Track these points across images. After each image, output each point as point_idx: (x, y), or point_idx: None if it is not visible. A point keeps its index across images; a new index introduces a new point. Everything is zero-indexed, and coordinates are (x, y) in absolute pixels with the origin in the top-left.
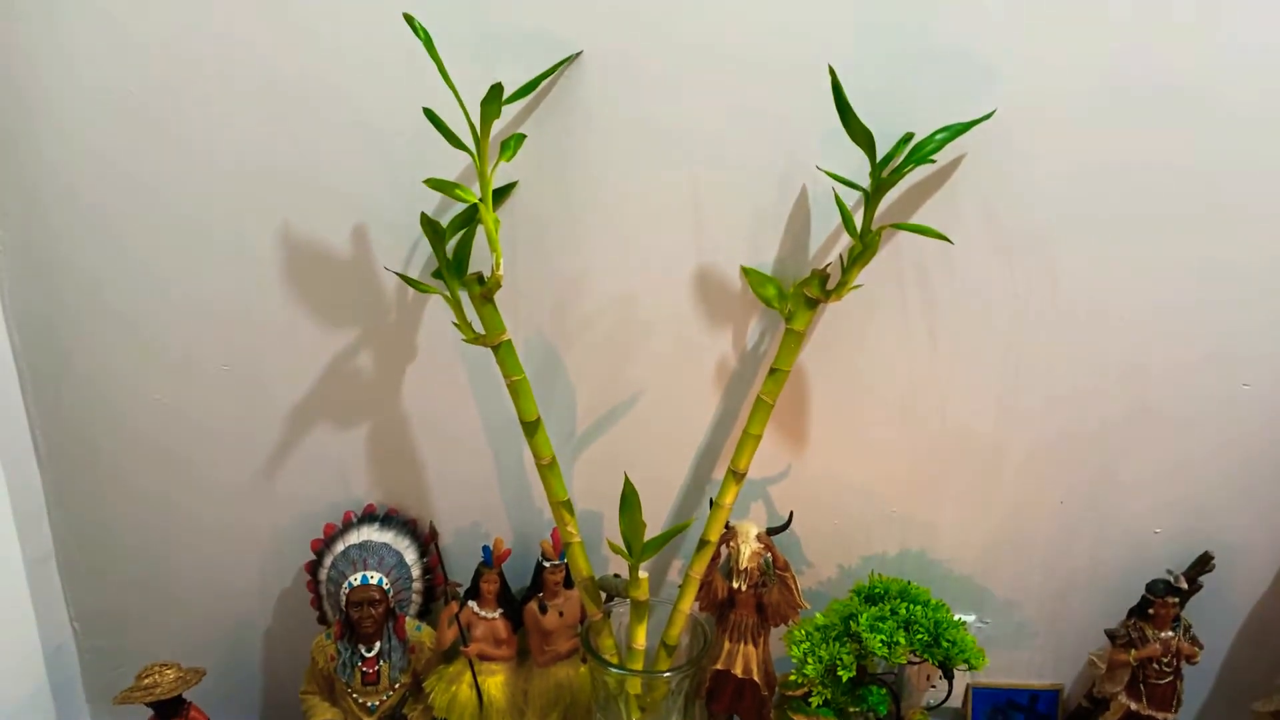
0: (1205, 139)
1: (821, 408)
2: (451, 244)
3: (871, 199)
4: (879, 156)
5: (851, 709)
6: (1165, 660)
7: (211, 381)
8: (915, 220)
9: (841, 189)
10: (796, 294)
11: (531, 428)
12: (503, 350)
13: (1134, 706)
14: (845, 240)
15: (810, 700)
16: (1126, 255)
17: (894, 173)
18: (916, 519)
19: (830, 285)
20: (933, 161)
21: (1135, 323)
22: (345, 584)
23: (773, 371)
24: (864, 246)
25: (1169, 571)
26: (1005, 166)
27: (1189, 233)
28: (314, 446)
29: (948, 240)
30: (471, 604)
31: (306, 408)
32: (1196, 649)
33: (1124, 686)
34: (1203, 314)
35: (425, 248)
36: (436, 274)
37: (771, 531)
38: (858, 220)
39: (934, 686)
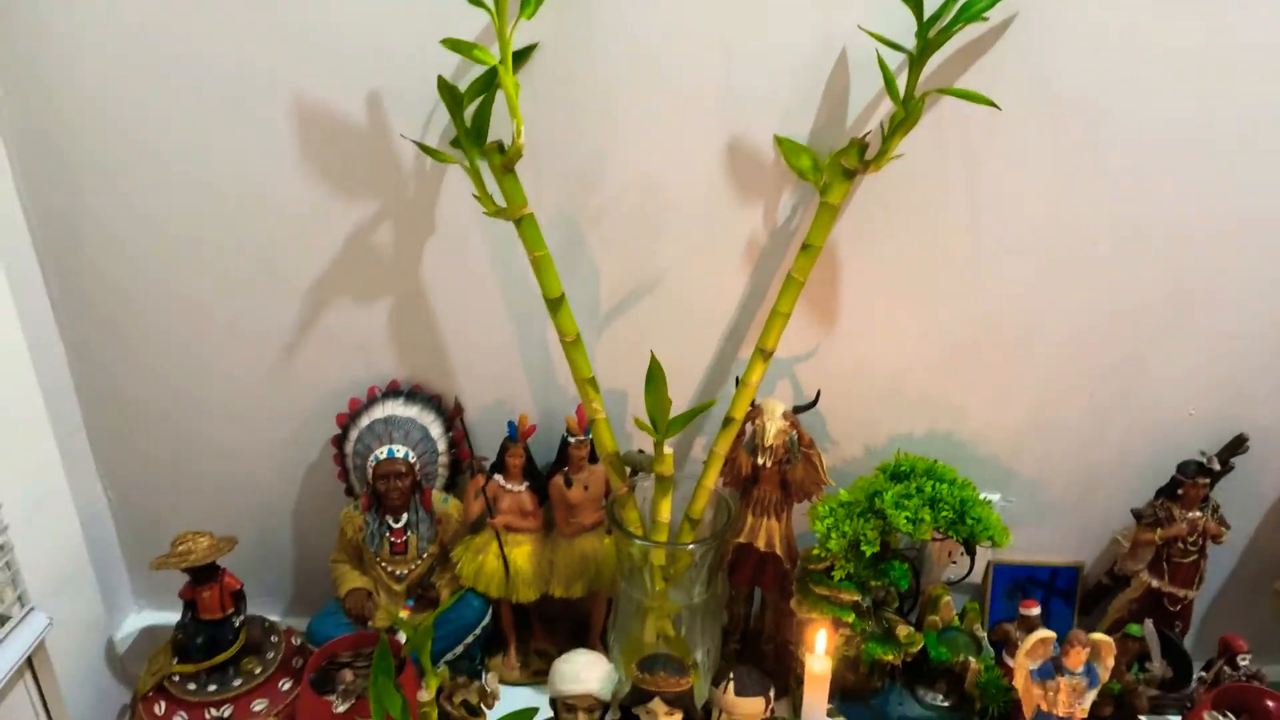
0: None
1: (852, 286)
2: (470, 110)
3: (916, 61)
4: (926, 15)
5: (873, 583)
6: (1191, 539)
7: (227, 262)
8: (960, 85)
9: (885, 50)
10: (833, 165)
11: (555, 304)
12: (525, 224)
13: (1155, 584)
14: (886, 107)
15: (833, 574)
16: (1177, 129)
17: (941, 32)
18: (945, 400)
19: (869, 156)
20: (985, 19)
21: (1179, 202)
22: (371, 457)
23: (805, 248)
24: (906, 114)
25: (1201, 453)
26: (1060, 29)
27: (1241, 111)
28: (334, 325)
29: (996, 106)
30: (497, 478)
31: (325, 285)
32: (1224, 529)
33: (1146, 565)
34: (1247, 196)
35: (443, 115)
36: (455, 143)
37: (798, 410)
38: (900, 85)
39: (954, 563)
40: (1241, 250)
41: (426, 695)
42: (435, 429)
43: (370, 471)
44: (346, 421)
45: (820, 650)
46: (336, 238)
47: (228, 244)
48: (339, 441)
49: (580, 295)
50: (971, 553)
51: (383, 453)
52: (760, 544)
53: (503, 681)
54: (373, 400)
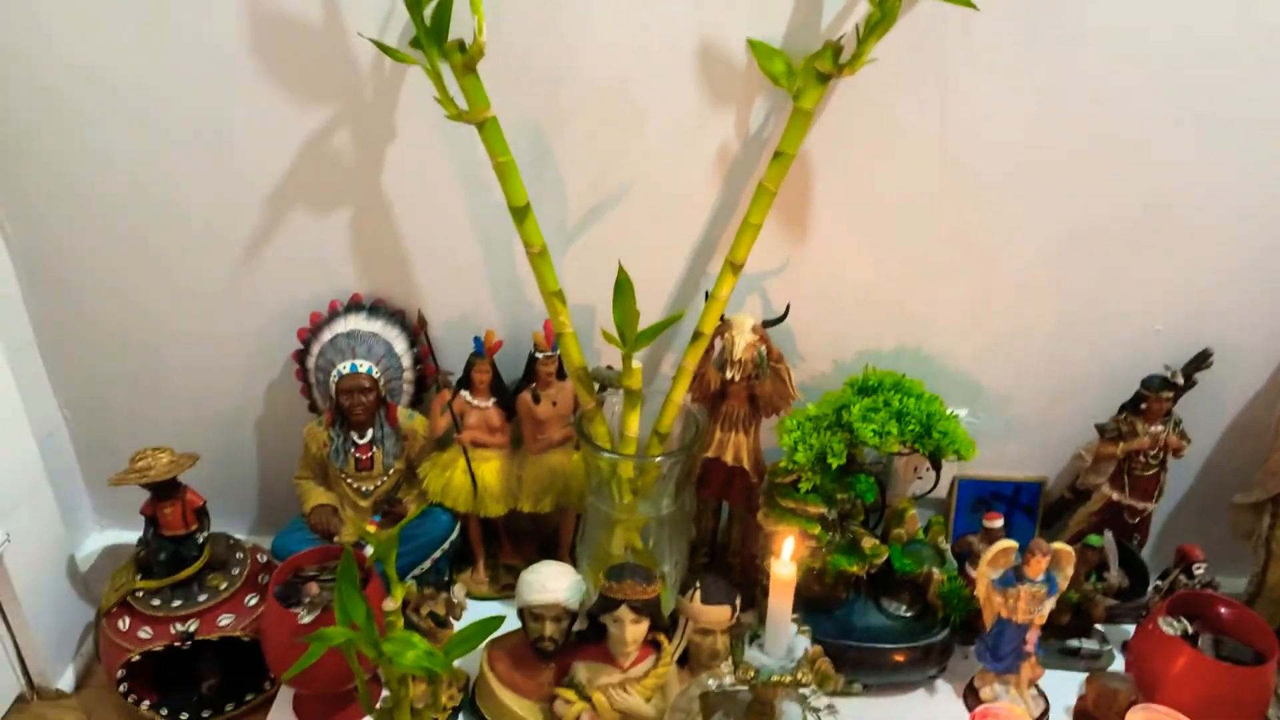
0: None
1: (824, 198)
2: (430, 8)
3: None
4: None
5: (839, 496)
6: (1152, 453)
7: (180, 174)
8: None
9: None
10: (806, 69)
11: (520, 213)
12: (488, 128)
13: (1116, 497)
14: (861, 10)
15: (799, 486)
16: (1161, 35)
17: None
18: (914, 316)
19: (843, 59)
20: None
21: (1159, 113)
22: (334, 372)
23: (777, 155)
24: (882, 15)
25: (1166, 367)
26: None
27: (1221, 21)
28: (293, 236)
29: (973, 6)
30: (464, 393)
31: (282, 195)
32: (1185, 443)
33: (1107, 478)
34: (1223, 109)
35: (402, 13)
36: (415, 43)
37: (767, 324)
38: None
39: (920, 478)
40: (1213, 167)
41: (392, 605)
42: (399, 344)
43: (333, 387)
44: (308, 336)
45: (786, 556)
46: (292, 145)
47: (180, 155)
48: (301, 357)
49: (547, 208)
50: (937, 467)
51: (345, 368)
52: (728, 458)
53: (472, 596)
54: (335, 315)
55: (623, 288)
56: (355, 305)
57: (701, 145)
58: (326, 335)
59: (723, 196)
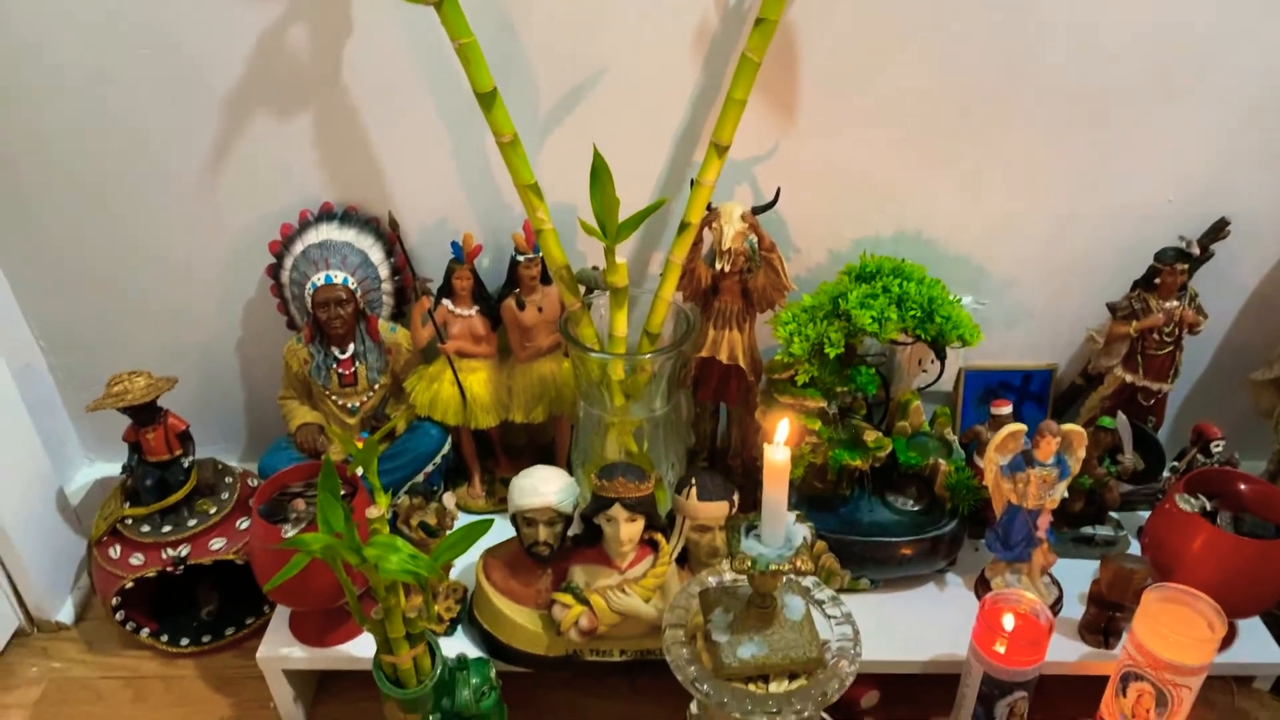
0: None
1: (813, 77)
2: None
3: None
4: None
5: (839, 389)
6: (1167, 330)
7: (132, 79)
8: None
9: None
10: None
11: (488, 100)
12: (446, 8)
13: (1130, 379)
14: None
15: (796, 380)
16: None
17: None
18: (913, 199)
19: None
20: None
21: None
22: (309, 285)
23: (759, 23)
24: None
25: (1181, 238)
26: None
27: None
28: (256, 143)
29: None
30: (446, 302)
31: (240, 99)
32: (1201, 318)
33: (1120, 360)
34: None
35: None
36: None
37: (757, 210)
38: None
39: (925, 371)
40: (1223, 26)
41: (376, 512)
42: (375, 253)
43: (309, 300)
44: (280, 249)
45: (780, 439)
46: (245, 45)
47: (131, 64)
48: (274, 271)
49: (517, 95)
50: (941, 355)
51: (320, 279)
52: (723, 357)
53: (468, 510)
54: (305, 225)
55: (599, 173)
56: (326, 214)
57: (679, 18)
58: (298, 247)
59: (705, 78)
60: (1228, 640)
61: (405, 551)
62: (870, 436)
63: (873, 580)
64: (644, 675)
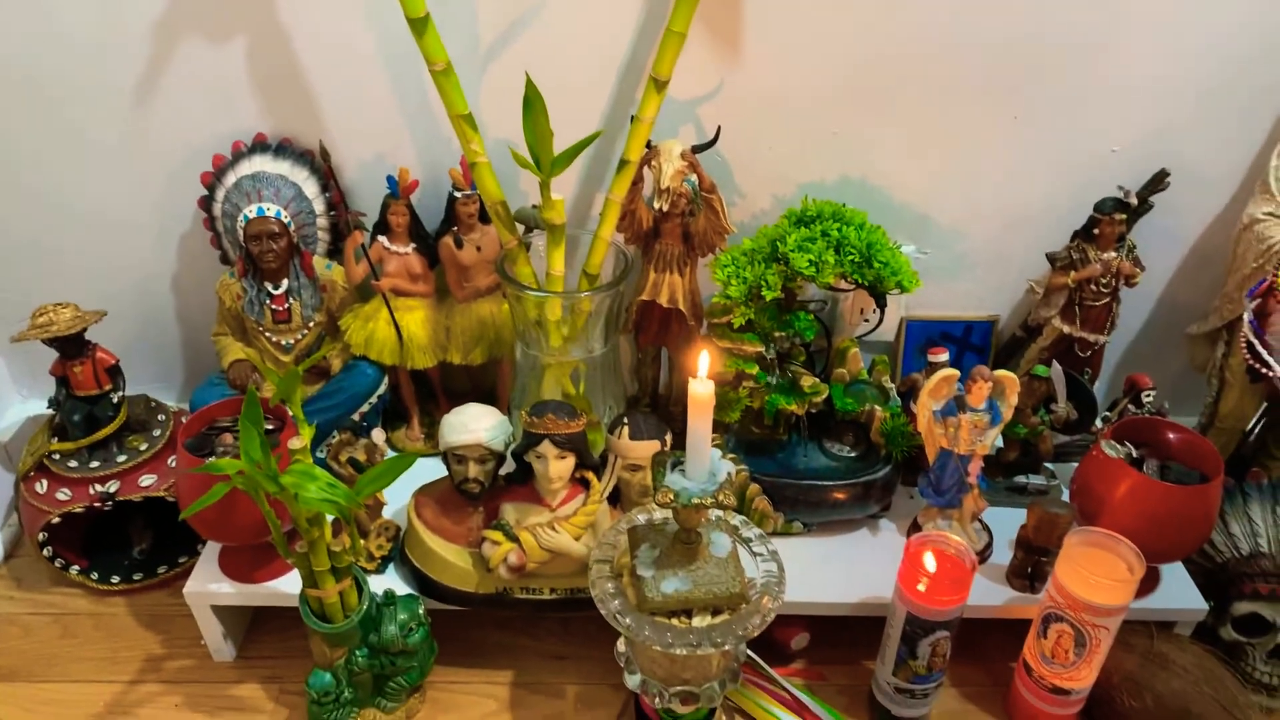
0: None
1: (755, 12)
2: None
3: None
4: None
5: (777, 334)
6: (1105, 281)
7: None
8: None
9: None
10: None
11: (419, 26)
12: None
13: (1067, 329)
14: None
15: (733, 322)
16: None
17: None
18: (858, 143)
19: None
20: None
21: None
22: (241, 217)
23: None
24: None
25: (1120, 188)
26: None
27: None
28: (188, 69)
29: None
30: (381, 239)
31: (171, 20)
32: (1138, 270)
33: (1059, 310)
34: None
35: None
36: None
37: (696, 149)
38: None
39: (867, 320)
40: None
41: (298, 443)
42: (310, 188)
43: (241, 233)
44: (212, 180)
45: (703, 373)
46: None
47: None
48: (206, 203)
49: (455, 28)
50: (881, 302)
51: (252, 211)
52: (663, 300)
53: (406, 452)
54: (238, 156)
55: (532, 103)
56: (260, 145)
57: None
58: (231, 179)
59: (649, 6)
60: (1151, 586)
61: (323, 480)
62: (807, 382)
63: (806, 524)
64: (578, 616)
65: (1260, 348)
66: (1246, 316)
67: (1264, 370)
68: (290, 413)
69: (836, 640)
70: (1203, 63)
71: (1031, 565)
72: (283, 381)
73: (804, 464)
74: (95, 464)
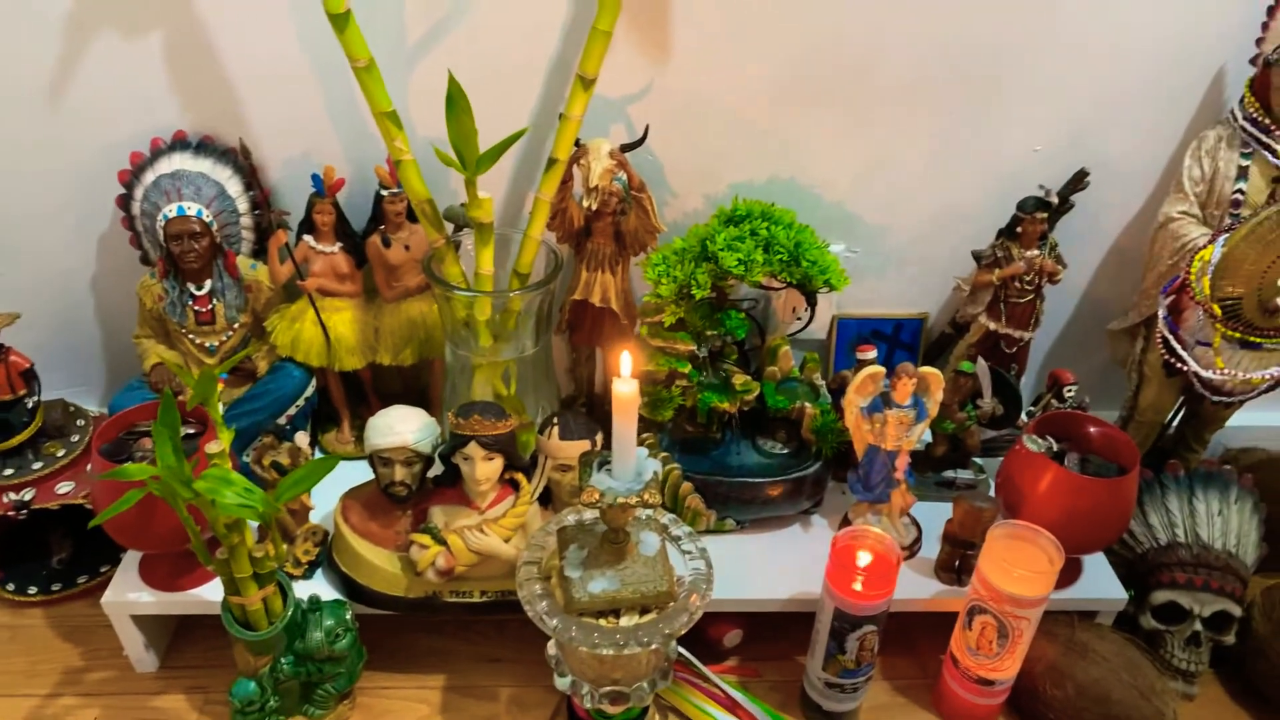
0: None
1: (683, 12)
2: None
3: None
4: None
5: (709, 333)
6: (1028, 279)
7: None
8: None
9: None
10: None
11: (340, 21)
12: None
13: (993, 326)
14: None
15: (664, 321)
16: None
17: None
18: (786, 143)
19: None
20: None
21: None
22: (160, 216)
23: None
24: None
25: (1041, 187)
26: None
27: None
28: (103, 64)
29: None
30: (307, 238)
31: (83, 12)
32: (1060, 267)
33: (985, 308)
34: None
35: None
36: None
37: (625, 148)
38: None
39: (799, 319)
40: None
41: (216, 447)
42: (233, 186)
43: (161, 233)
44: (130, 178)
45: (625, 372)
46: None
47: None
48: (125, 202)
49: (380, 25)
50: (810, 301)
51: (172, 210)
52: (595, 300)
53: (337, 456)
54: (158, 153)
55: (456, 101)
56: (180, 143)
57: None
58: (149, 177)
59: (576, 5)
60: (1073, 577)
61: (239, 485)
62: (739, 380)
63: (739, 521)
64: (513, 619)
65: (1175, 343)
66: (1161, 313)
67: (1179, 364)
68: (210, 416)
69: (771, 637)
70: (1120, 66)
71: (958, 559)
72: (200, 383)
73: (737, 461)
74: (9, 471)
